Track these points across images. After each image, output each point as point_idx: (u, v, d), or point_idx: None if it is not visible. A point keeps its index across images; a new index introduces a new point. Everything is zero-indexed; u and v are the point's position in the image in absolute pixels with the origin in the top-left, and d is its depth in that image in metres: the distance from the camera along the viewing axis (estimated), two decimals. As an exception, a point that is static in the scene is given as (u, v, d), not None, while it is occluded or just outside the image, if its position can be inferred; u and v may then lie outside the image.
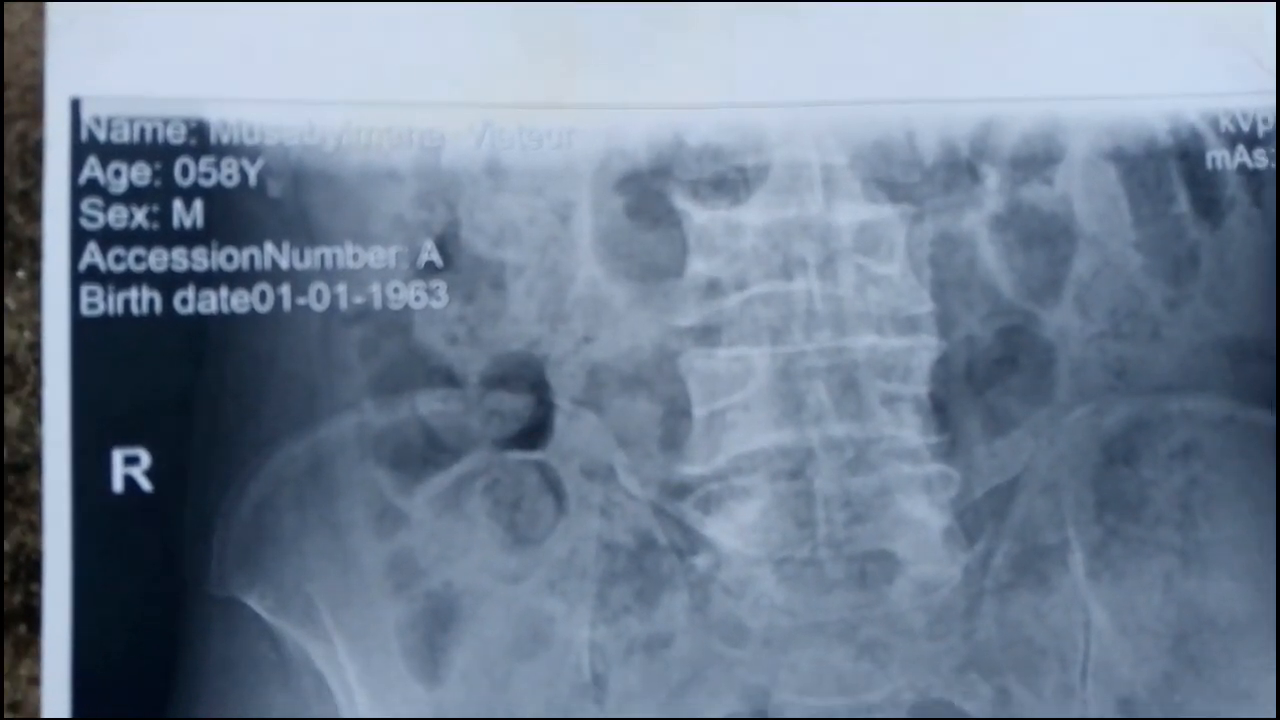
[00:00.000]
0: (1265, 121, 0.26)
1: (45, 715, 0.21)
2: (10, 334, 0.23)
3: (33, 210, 0.23)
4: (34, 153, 0.23)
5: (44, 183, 0.22)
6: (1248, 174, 0.26)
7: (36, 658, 0.22)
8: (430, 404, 0.23)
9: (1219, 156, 0.26)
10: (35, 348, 0.23)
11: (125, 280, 0.22)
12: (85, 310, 0.22)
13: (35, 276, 0.23)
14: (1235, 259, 0.26)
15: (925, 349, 0.25)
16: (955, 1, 0.25)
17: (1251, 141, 0.26)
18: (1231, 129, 0.26)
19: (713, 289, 0.24)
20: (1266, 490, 0.25)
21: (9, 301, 0.23)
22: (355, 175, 0.23)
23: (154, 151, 0.23)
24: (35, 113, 0.23)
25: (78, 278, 0.22)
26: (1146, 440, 0.25)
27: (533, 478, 0.23)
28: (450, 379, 0.23)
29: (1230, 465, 0.25)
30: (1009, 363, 0.25)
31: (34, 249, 0.23)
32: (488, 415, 0.23)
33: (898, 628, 0.24)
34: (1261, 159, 0.26)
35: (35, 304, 0.23)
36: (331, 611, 0.22)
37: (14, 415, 0.23)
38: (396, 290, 0.23)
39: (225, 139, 0.23)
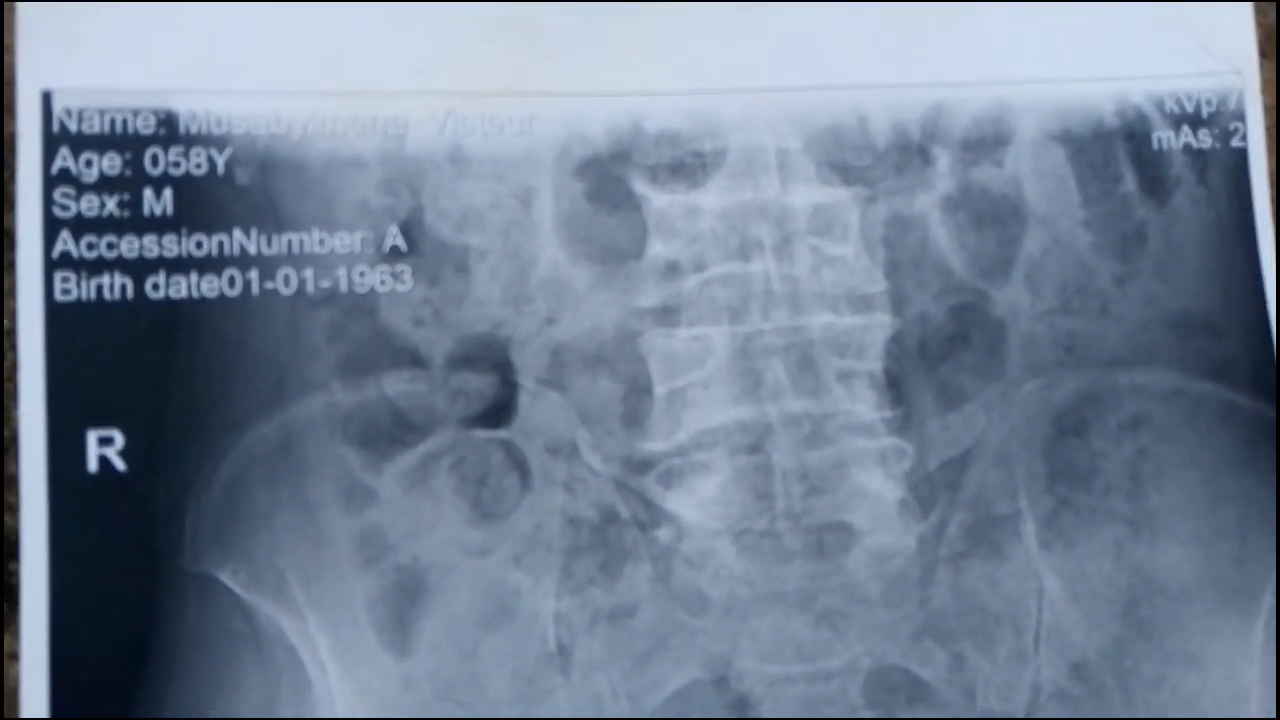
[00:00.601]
0: (1209, 103, 0.27)
1: (24, 688, 0.22)
2: (-13, 321, 0.24)
3: (7, 201, 0.24)
4: (7, 146, 0.24)
5: (17, 174, 0.23)
6: (1192, 153, 0.27)
7: (15, 634, 0.22)
8: (397, 384, 0.24)
9: (1164, 137, 0.27)
10: (11, 334, 0.23)
11: (98, 267, 0.23)
12: (59, 296, 0.23)
13: (10, 266, 0.23)
14: (1181, 236, 0.26)
15: (879, 327, 0.25)
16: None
17: (1196, 122, 0.27)
18: (1176, 110, 0.27)
19: (672, 271, 0.25)
20: (1213, 460, 0.26)
21: (-15, 289, 0.24)
22: (321, 163, 0.24)
23: (124, 142, 0.23)
24: (7, 107, 0.24)
25: (51, 265, 0.23)
26: (1096, 413, 0.25)
27: (498, 455, 0.24)
28: (416, 360, 0.24)
29: (1178, 436, 0.26)
30: (961, 339, 0.25)
31: (9, 239, 0.24)
32: (453, 395, 0.24)
33: (855, 596, 0.24)
34: (1205, 139, 0.27)
35: (10, 292, 0.23)
36: (303, 586, 0.23)
37: (-9, 400, 0.24)
38: (362, 274, 0.24)
39: (194, 129, 0.24)
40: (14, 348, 0.23)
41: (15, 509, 0.23)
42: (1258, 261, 0.26)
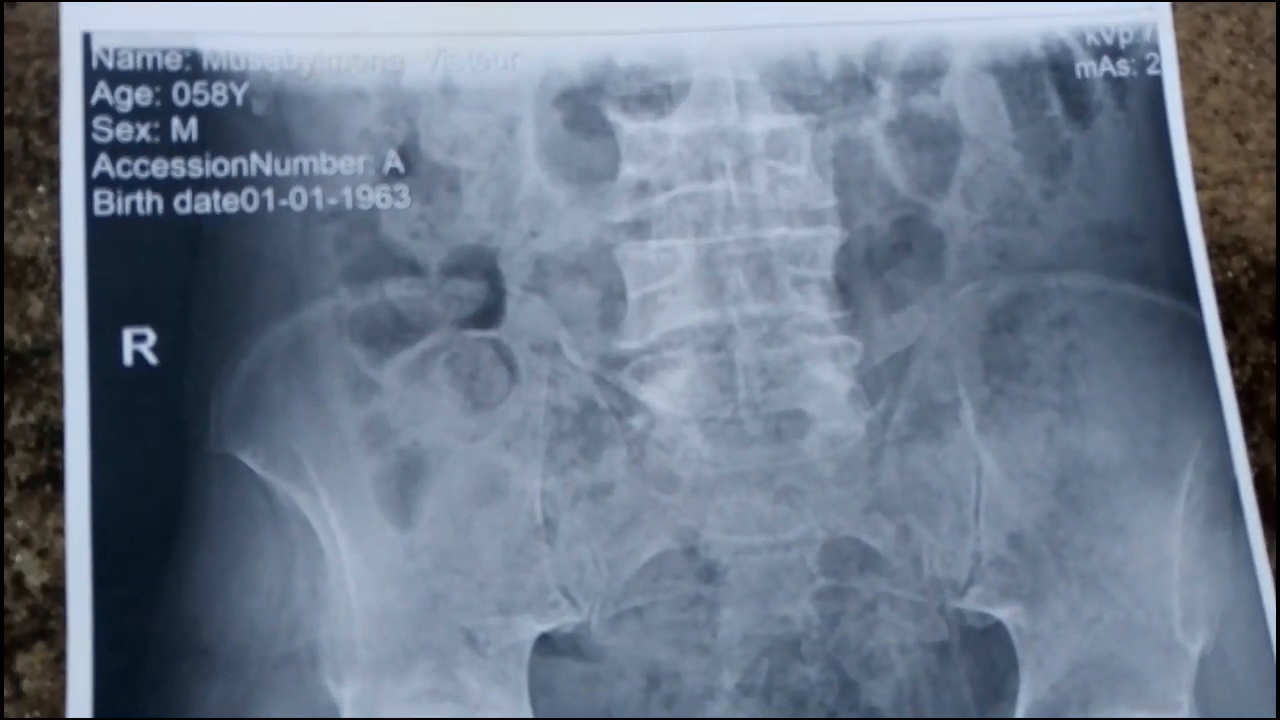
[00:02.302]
0: (1126, 36, 0.30)
1: (69, 558, 0.25)
2: (33, 240, 0.27)
3: (51, 135, 0.27)
4: (51, 86, 0.27)
5: (61, 106, 0.26)
6: (1112, 81, 0.29)
7: (61, 511, 0.25)
8: (397, 290, 0.27)
9: (1086, 67, 0.29)
10: (54, 250, 0.26)
11: (132, 185, 0.26)
12: (98, 211, 0.26)
13: (54, 191, 0.27)
14: (1104, 154, 0.29)
15: (830, 238, 0.28)
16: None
17: (1115, 53, 0.30)
18: (1097, 43, 0.30)
19: (642, 190, 0.28)
20: (1135, 353, 0.28)
21: (31, 212, 0.27)
22: (328, 95, 0.27)
23: (155, 76, 0.26)
24: (51, 52, 0.27)
25: (91, 184, 0.26)
26: (1027, 312, 0.28)
27: (488, 352, 0.27)
28: (414, 268, 0.27)
29: (1102, 332, 0.28)
30: (904, 248, 0.28)
31: (52, 167, 0.27)
32: (447, 299, 0.27)
33: (810, 476, 0.27)
34: (1124, 68, 0.29)
35: (54, 214, 0.26)
36: (315, 467, 0.26)
37: (37, 308, 0.27)
38: (365, 193, 0.27)
39: (216, 65, 0.27)
40: (58, 263, 0.26)
41: (60, 403, 0.26)
42: (1173, 176, 0.29)
